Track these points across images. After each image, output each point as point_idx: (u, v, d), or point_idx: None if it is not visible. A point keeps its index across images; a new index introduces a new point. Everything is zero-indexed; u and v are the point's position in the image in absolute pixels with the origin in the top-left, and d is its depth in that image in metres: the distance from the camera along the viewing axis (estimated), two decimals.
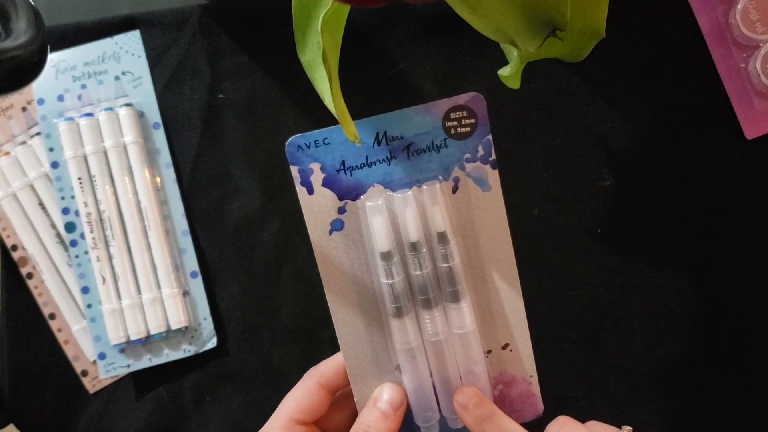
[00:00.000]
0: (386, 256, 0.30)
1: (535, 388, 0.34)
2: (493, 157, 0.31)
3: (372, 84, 0.46)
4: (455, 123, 0.31)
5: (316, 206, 0.31)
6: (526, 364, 0.33)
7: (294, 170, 0.30)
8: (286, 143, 0.30)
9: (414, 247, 0.31)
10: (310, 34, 0.34)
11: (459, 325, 0.32)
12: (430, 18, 0.46)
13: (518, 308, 0.33)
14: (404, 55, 0.46)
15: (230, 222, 0.46)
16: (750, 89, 0.44)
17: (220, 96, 0.47)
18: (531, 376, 0.34)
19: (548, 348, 0.44)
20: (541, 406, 0.34)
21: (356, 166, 0.30)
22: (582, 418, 0.33)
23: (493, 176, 0.31)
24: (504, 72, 0.36)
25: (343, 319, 0.32)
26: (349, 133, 0.32)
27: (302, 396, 0.32)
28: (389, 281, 0.31)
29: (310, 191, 0.31)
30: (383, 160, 0.30)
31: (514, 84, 0.36)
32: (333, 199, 0.31)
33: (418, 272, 0.31)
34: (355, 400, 0.33)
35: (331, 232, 0.31)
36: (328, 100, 0.33)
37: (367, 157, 0.30)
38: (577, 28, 0.31)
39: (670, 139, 0.45)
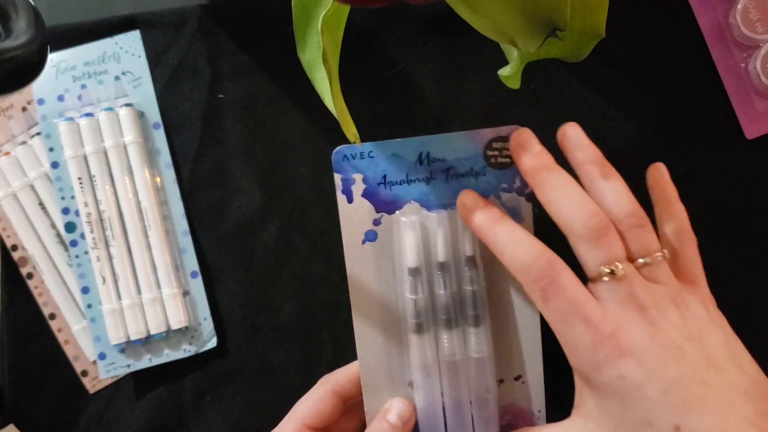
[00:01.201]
0: (414, 272, 0.31)
1: (542, 423, 0.33)
2: (529, 190, 0.32)
3: (372, 84, 0.46)
4: (496, 153, 0.32)
5: (354, 215, 0.32)
6: (536, 399, 0.33)
7: (337, 178, 0.31)
8: (334, 151, 0.31)
9: (442, 266, 0.31)
10: (310, 34, 0.34)
11: (476, 349, 0.32)
12: (430, 18, 0.46)
13: (536, 342, 0.33)
14: (404, 55, 0.46)
15: (230, 222, 0.46)
16: (750, 89, 0.44)
17: (220, 96, 0.47)
18: (539, 411, 0.33)
19: (548, 348, 0.44)
20: None
21: (396, 181, 0.31)
22: None
23: (527, 208, 0.32)
24: (504, 72, 0.36)
25: (364, 328, 0.32)
26: (349, 134, 0.33)
27: (315, 402, 0.33)
28: (413, 296, 0.31)
29: (350, 200, 0.32)
30: (423, 179, 0.31)
31: (514, 84, 0.36)
32: (370, 210, 0.32)
33: (442, 291, 0.31)
34: (366, 410, 0.33)
35: (364, 242, 0.32)
36: (328, 100, 0.33)
37: (407, 174, 0.31)
38: (577, 28, 0.31)
39: (670, 139, 0.45)
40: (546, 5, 0.26)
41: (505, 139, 0.31)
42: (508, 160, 0.31)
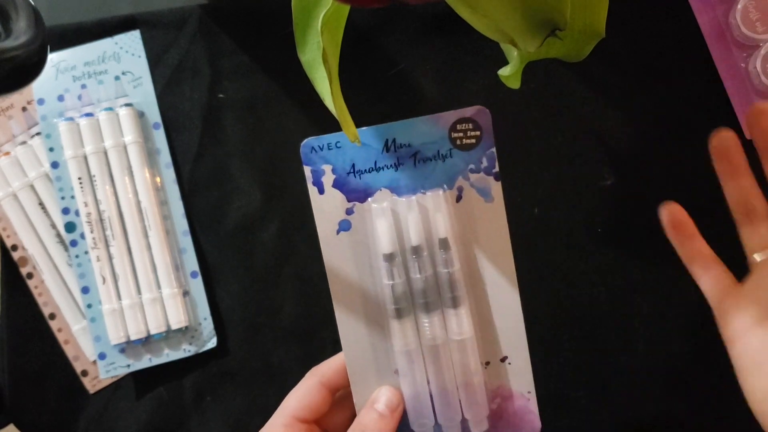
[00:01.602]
0: (389, 258, 0.31)
1: (533, 405, 0.34)
2: (497, 169, 0.32)
3: (372, 84, 0.46)
4: (461, 134, 0.32)
5: (326, 206, 0.32)
6: (524, 380, 0.33)
7: (307, 170, 0.32)
8: (302, 144, 0.31)
9: (415, 250, 0.31)
10: (310, 34, 0.34)
11: (457, 331, 0.32)
12: (430, 18, 0.46)
13: (518, 322, 0.33)
14: (404, 55, 0.46)
15: (230, 222, 0.46)
16: (750, 89, 0.44)
17: (220, 96, 0.47)
18: (529, 392, 0.34)
19: (549, 348, 0.44)
20: (538, 423, 0.33)
21: (365, 170, 0.32)
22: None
23: (496, 188, 0.32)
24: (504, 72, 0.36)
25: (347, 319, 0.33)
26: (350, 133, 0.33)
27: (304, 394, 0.33)
28: (390, 282, 0.32)
29: (321, 191, 0.32)
30: (391, 165, 0.32)
31: (514, 84, 0.36)
32: (342, 200, 0.32)
33: (418, 275, 0.32)
34: (354, 400, 0.33)
35: (338, 232, 0.32)
36: (328, 100, 0.33)
37: (375, 162, 0.32)
38: (577, 28, 0.31)
39: (670, 139, 0.45)
40: (546, 5, 0.26)
41: (468, 120, 0.31)
42: (473, 141, 0.32)
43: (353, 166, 0.32)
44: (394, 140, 0.32)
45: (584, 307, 0.45)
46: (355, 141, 0.32)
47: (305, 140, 0.32)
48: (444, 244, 0.31)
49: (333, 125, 0.35)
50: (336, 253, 0.32)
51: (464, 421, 0.33)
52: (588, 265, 0.45)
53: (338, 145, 0.32)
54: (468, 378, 0.32)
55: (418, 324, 0.32)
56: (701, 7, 0.44)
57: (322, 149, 0.32)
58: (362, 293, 0.32)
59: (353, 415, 0.33)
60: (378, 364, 0.33)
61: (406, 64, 0.46)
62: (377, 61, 0.46)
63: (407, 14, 0.46)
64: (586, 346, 0.45)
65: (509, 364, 0.33)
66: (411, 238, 0.31)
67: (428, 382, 0.33)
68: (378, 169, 0.32)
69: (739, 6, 0.42)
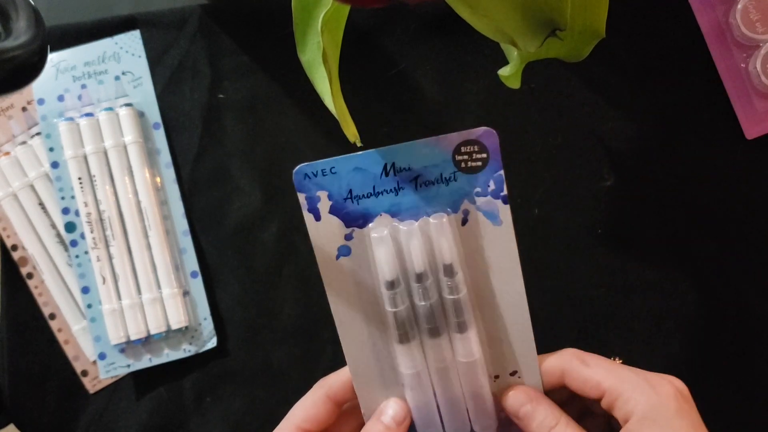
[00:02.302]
0: (390, 285, 0.30)
1: None
2: (505, 192, 0.31)
3: (372, 84, 0.46)
4: (466, 157, 0.30)
5: (323, 233, 0.31)
6: None
7: (301, 197, 0.30)
8: (294, 171, 0.30)
9: (419, 278, 0.30)
10: (310, 34, 0.34)
11: (464, 353, 0.31)
12: (430, 18, 0.46)
13: (527, 338, 0.32)
14: (404, 55, 0.46)
15: (230, 222, 0.46)
16: (750, 89, 0.44)
17: (220, 96, 0.47)
18: None
19: (549, 348, 0.44)
20: None
21: (363, 195, 0.30)
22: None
23: (504, 211, 0.31)
24: (504, 72, 0.36)
25: (351, 338, 0.32)
26: (349, 133, 0.32)
27: (310, 406, 0.33)
28: (393, 309, 0.31)
29: (317, 218, 0.31)
30: (391, 190, 0.30)
31: (514, 84, 0.36)
32: (340, 227, 0.31)
33: (422, 303, 0.31)
34: (362, 411, 0.33)
35: (338, 257, 0.31)
36: (328, 100, 0.33)
37: (374, 186, 0.30)
38: (577, 28, 0.31)
39: (670, 139, 0.45)
40: (546, 5, 0.26)
41: (474, 142, 0.30)
42: (479, 164, 0.30)
43: (350, 191, 0.30)
44: (393, 164, 0.30)
45: (584, 308, 0.45)
46: (355, 141, 0.32)
47: (297, 167, 0.30)
48: (449, 270, 0.30)
49: (333, 125, 0.35)
50: (337, 278, 0.31)
51: None
52: (588, 265, 0.45)
53: (333, 170, 0.30)
54: (476, 390, 0.32)
55: (424, 347, 0.32)
56: (701, 7, 0.44)
57: (316, 175, 0.30)
58: (366, 314, 0.32)
59: (360, 426, 0.33)
60: (384, 375, 0.32)
61: (406, 64, 0.46)
62: (377, 61, 0.46)
63: (407, 14, 0.46)
64: (585, 346, 0.45)
65: (519, 377, 0.33)
66: (414, 266, 0.30)
67: (435, 395, 0.32)
68: (377, 194, 0.30)
69: (739, 6, 0.42)
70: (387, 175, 0.30)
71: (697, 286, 0.44)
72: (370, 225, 0.30)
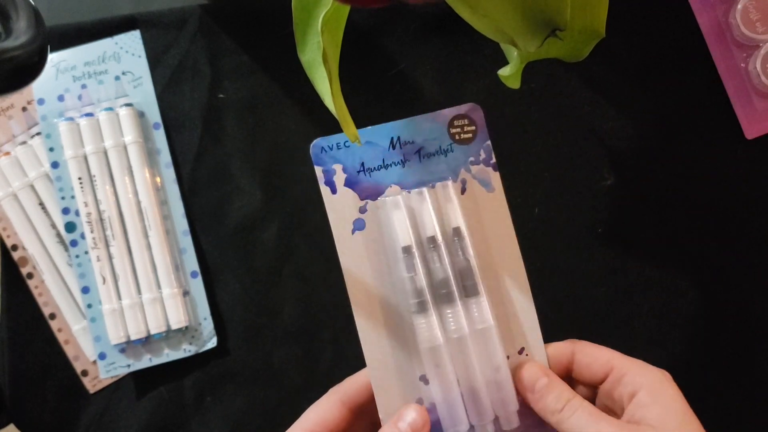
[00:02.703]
0: (407, 250, 0.32)
1: None
2: (494, 160, 0.34)
3: (372, 84, 0.46)
4: (459, 130, 0.33)
5: (339, 205, 0.33)
6: None
7: (318, 170, 0.33)
8: (311, 145, 0.32)
9: (432, 240, 0.32)
10: (310, 34, 0.34)
11: (480, 320, 0.32)
12: (430, 18, 0.46)
13: (530, 310, 0.34)
14: (404, 55, 0.46)
15: (230, 222, 0.46)
16: (750, 89, 0.44)
17: (220, 96, 0.47)
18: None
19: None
20: None
21: (374, 167, 0.33)
22: None
23: (495, 177, 0.34)
24: (504, 72, 0.36)
25: (366, 325, 0.33)
26: (350, 134, 0.33)
27: (323, 410, 0.33)
28: (411, 274, 0.32)
29: (333, 191, 0.33)
30: (398, 162, 0.33)
31: (514, 84, 0.36)
32: (355, 199, 0.33)
33: (437, 265, 0.32)
34: (379, 412, 0.33)
35: (353, 232, 0.33)
36: (328, 100, 0.33)
37: (383, 159, 0.33)
38: (577, 28, 0.31)
39: (670, 139, 0.45)
40: (546, 5, 0.26)
41: (464, 116, 0.34)
42: (470, 135, 0.33)
43: (362, 164, 0.33)
44: (398, 138, 0.33)
45: (584, 307, 0.45)
46: (356, 141, 0.32)
47: (314, 141, 0.32)
48: (458, 233, 0.32)
49: (333, 125, 0.35)
50: (352, 254, 0.33)
51: (495, 420, 0.33)
52: (588, 265, 0.45)
53: (347, 144, 0.33)
54: (495, 371, 0.32)
55: (442, 317, 0.32)
56: (701, 7, 0.44)
57: (331, 149, 0.33)
58: (381, 297, 0.33)
59: (375, 429, 0.33)
60: (402, 372, 0.33)
61: (406, 64, 0.46)
62: (377, 61, 0.46)
63: (407, 14, 0.46)
64: None
65: (527, 354, 0.34)
66: (426, 229, 0.32)
67: (458, 383, 0.33)
68: (386, 167, 0.33)
69: (739, 6, 0.42)
70: (393, 148, 0.33)
71: (697, 285, 0.44)
72: (382, 197, 0.33)
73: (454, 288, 0.32)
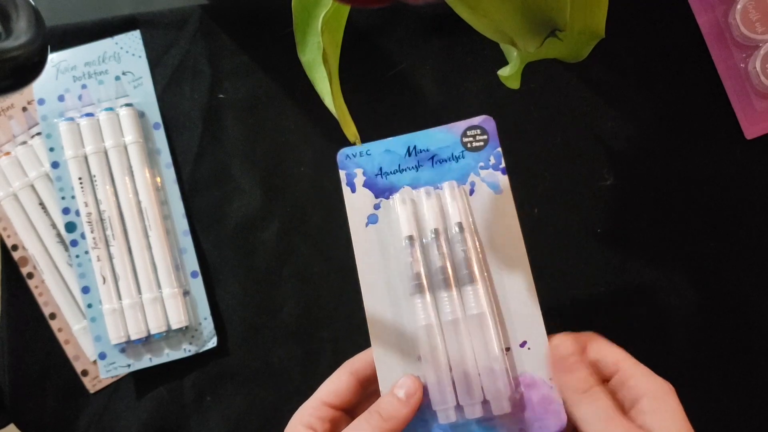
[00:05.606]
0: (410, 239, 0.36)
1: (557, 395, 0.34)
2: (503, 165, 0.36)
3: (372, 84, 0.46)
4: (471, 139, 0.37)
5: (357, 203, 0.37)
6: (545, 365, 0.34)
7: (342, 173, 0.37)
8: (338, 153, 0.36)
9: (435, 232, 0.36)
10: (310, 34, 0.34)
11: (474, 305, 0.34)
12: (430, 18, 0.46)
13: (534, 305, 0.35)
14: (404, 55, 0.46)
15: (230, 222, 0.46)
16: (750, 89, 0.44)
17: (221, 96, 0.47)
18: (551, 379, 0.34)
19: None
20: (564, 416, 0.33)
21: (391, 171, 0.37)
22: None
23: (504, 180, 0.36)
24: (504, 72, 0.36)
25: (373, 304, 0.36)
26: (349, 133, 0.33)
27: (334, 381, 0.36)
28: (411, 260, 0.35)
29: (353, 190, 0.37)
30: (412, 167, 0.37)
31: (514, 84, 0.36)
32: (371, 197, 0.37)
33: (437, 253, 0.35)
34: (380, 385, 0.35)
35: (367, 225, 0.37)
36: (328, 100, 0.33)
37: (399, 165, 0.37)
38: (577, 28, 0.31)
39: (670, 139, 0.45)
40: (546, 5, 0.26)
41: (477, 127, 0.37)
42: (482, 143, 0.37)
43: (380, 169, 0.37)
44: (414, 147, 0.37)
45: (584, 307, 0.45)
46: (355, 141, 0.32)
47: (341, 150, 0.36)
48: (459, 226, 0.35)
49: (333, 125, 0.35)
50: (364, 243, 0.37)
51: (486, 403, 0.34)
52: (588, 265, 0.45)
53: (368, 153, 0.37)
54: (490, 357, 0.34)
55: (438, 300, 0.35)
56: (701, 8, 0.44)
57: (354, 156, 0.37)
58: (387, 281, 0.36)
59: None
60: (401, 351, 0.35)
61: (406, 64, 0.46)
62: (377, 61, 0.46)
63: (407, 14, 0.46)
64: None
65: (529, 349, 0.35)
66: (430, 221, 0.35)
67: (450, 368, 0.35)
68: (402, 171, 0.37)
69: (738, 6, 0.42)
70: (410, 155, 0.37)
71: (697, 285, 0.44)
72: (394, 195, 0.37)
73: (451, 275, 0.35)
